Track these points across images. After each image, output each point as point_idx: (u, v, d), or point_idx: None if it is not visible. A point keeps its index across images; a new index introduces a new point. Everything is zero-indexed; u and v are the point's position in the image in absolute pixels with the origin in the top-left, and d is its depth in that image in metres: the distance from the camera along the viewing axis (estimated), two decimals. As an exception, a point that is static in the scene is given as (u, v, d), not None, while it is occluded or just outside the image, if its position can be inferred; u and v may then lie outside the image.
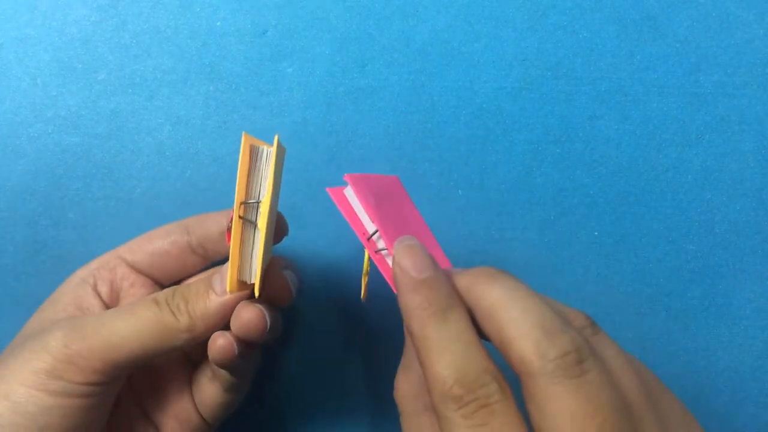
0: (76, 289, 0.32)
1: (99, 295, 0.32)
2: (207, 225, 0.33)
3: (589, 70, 0.39)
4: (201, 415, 0.33)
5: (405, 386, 0.28)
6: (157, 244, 0.33)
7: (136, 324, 0.28)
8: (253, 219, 0.29)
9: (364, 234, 0.28)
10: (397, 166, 0.38)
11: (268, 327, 0.29)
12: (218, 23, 0.39)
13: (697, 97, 0.39)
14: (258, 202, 0.29)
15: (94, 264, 0.33)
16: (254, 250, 0.29)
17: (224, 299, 0.29)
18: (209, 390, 0.32)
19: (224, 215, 0.33)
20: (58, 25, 0.39)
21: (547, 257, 0.38)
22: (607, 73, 0.39)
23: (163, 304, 0.29)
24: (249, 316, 0.29)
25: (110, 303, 0.33)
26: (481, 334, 0.25)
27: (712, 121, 0.39)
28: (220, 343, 0.30)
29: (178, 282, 0.34)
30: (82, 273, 0.33)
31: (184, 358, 0.34)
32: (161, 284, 0.34)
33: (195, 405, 0.33)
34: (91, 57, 0.39)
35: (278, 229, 0.32)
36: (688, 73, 0.39)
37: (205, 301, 0.29)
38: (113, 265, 0.33)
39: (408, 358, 0.28)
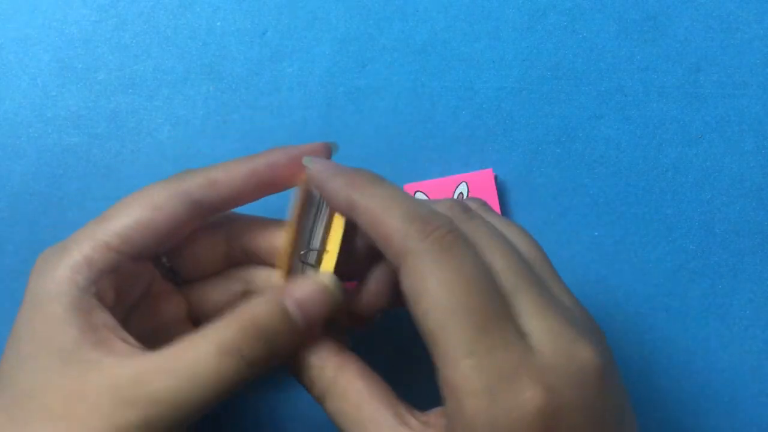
0: (82, 304, 0.25)
1: (106, 305, 0.27)
2: (223, 187, 0.28)
3: (589, 70, 0.39)
4: None
5: None
6: (157, 225, 0.27)
7: (209, 395, 0.24)
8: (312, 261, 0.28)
9: None
10: (397, 166, 0.38)
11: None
12: (218, 23, 0.39)
13: (697, 97, 0.39)
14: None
15: (81, 262, 0.26)
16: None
17: (310, 331, 0.27)
18: None
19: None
20: (58, 25, 0.39)
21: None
22: (607, 73, 0.39)
23: (236, 355, 0.25)
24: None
25: (115, 307, 0.27)
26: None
27: (712, 121, 0.39)
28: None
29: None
30: (71, 277, 0.26)
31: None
32: (155, 258, 0.30)
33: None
34: (91, 57, 0.39)
35: None
36: (688, 73, 0.39)
37: (288, 342, 0.26)
38: (115, 266, 0.27)
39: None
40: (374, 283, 0.29)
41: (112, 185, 0.38)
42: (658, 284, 0.37)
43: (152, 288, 0.30)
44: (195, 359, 0.24)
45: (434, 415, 0.25)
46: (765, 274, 0.37)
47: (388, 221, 0.24)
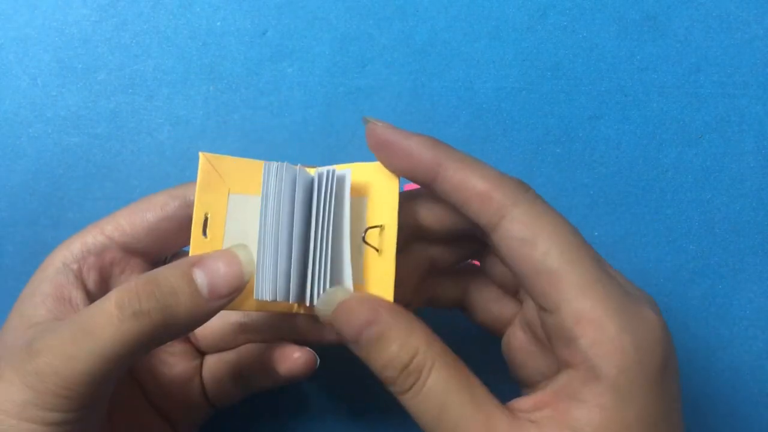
0: (57, 277, 0.28)
1: (84, 284, 0.28)
2: None
3: (589, 70, 0.39)
4: (210, 401, 0.32)
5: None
6: (151, 219, 0.29)
7: (96, 346, 0.24)
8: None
9: None
10: (397, 166, 0.38)
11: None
12: (218, 23, 0.39)
13: (697, 97, 0.39)
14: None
15: (76, 245, 0.29)
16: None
17: (217, 305, 0.25)
18: (227, 384, 0.31)
19: None
20: (58, 25, 0.39)
21: (547, 257, 0.38)
22: (607, 73, 0.39)
23: (125, 307, 0.24)
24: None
25: (98, 292, 0.28)
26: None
27: (712, 121, 0.39)
28: (299, 357, 0.30)
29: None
30: (62, 256, 0.28)
31: (190, 346, 0.32)
32: (154, 260, 0.31)
33: (204, 392, 0.31)
34: (91, 57, 0.39)
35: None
36: (688, 73, 0.39)
37: (187, 305, 0.25)
38: (102, 249, 0.29)
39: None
40: (410, 271, 0.29)
41: (112, 185, 0.38)
42: (658, 284, 0.37)
43: None
44: (92, 313, 0.25)
45: (519, 404, 0.25)
46: (765, 274, 0.37)
47: (483, 180, 0.25)
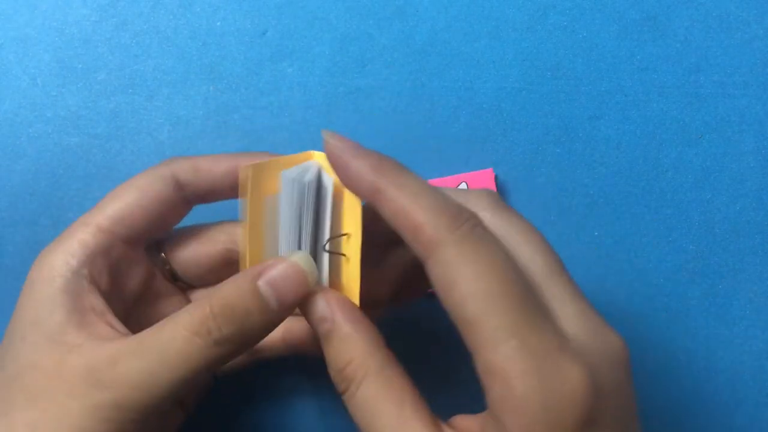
0: (71, 287, 0.26)
1: (99, 287, 0.27)
2: (205, 173, 0.29)
3: (589, 70, 0.39)
4: (215, 375, 0.32)
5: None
6: (146, 206, 0.28)
7: (177, 375, 0.24)
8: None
9: None
10: (397, 166, 0.38)
11: None
12: (218, 23, 0.39)
13: (697, 97, 0.39)
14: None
15: (74, 246, 0.27)
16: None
17: (286, 315, 0.26)
18: (238, 359, 0.31)
19: (217, 159, 0.30)
20: (58, 25, 0.39)
21: (547, 257, 0.38)
22: (607, 73, 0.39)
23: (205, 335, 0.24)
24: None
25: (111, 293, 0.28)
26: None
27: (712, 121, 0.39)
28: None
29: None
30: (64, 261, 0.27)
31: None
32: (145, 243, 0.30)
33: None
34: (91, 57, 0.39)
35: None
36: (688, 73, 0.39)
37: (259, 323, 0.25)
38: (107, 247, 0.28)
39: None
40: (390, 270, 0.29)
41: (112, 185, 0.37)
42: (658, 284, 0.37)
43: (154, 288, 0.31)
44: (165, 341, 0.24)
45: (459, 421, 0.24)
46: (765, 274, 0.37)
47: (417, 212, 0.23)
